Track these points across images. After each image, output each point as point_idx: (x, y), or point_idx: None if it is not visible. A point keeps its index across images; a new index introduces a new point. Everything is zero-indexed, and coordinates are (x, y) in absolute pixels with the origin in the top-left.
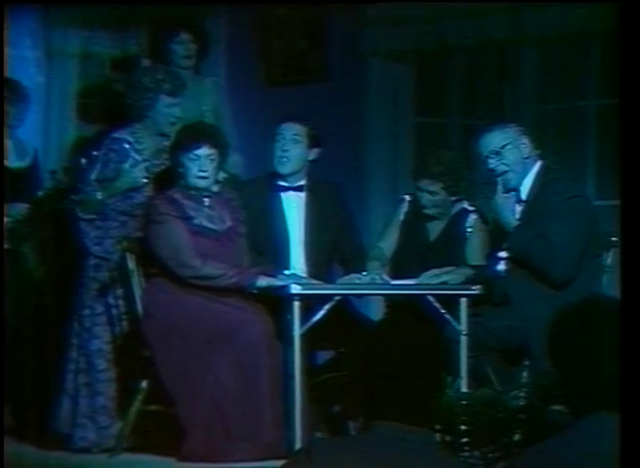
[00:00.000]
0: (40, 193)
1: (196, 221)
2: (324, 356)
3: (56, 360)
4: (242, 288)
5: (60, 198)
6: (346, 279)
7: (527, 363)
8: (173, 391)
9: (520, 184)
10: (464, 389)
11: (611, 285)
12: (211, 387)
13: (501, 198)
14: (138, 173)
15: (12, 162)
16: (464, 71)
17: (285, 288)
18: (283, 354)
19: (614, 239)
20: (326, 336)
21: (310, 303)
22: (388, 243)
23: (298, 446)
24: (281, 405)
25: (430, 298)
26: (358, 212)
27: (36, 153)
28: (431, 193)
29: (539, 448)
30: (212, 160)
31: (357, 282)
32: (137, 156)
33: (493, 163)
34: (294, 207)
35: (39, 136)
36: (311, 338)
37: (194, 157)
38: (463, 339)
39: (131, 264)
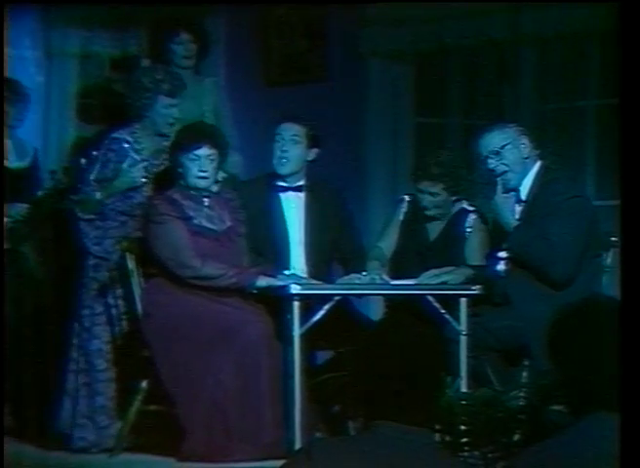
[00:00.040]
0: (40, 193)
1: (196, 222)
2: (324, 356)
3: (56, 360)
4: (242, 288)
5: (59, 198)
6: (346, 279)
7: (527, 363)
8: (172, 391)
9: (520, 184)
10: (464, 389)
11: (610, 285)
12: (210, 387)
13: (501, 198)
14: (136, 172)
15: (12, 162)
16: (464, 71)
17: (285, 288)
18: (283, 354)
19: (613, 239)
20: (326, 336)
21: (310, 303)
22: (388, 243)
23: (297, 446)
24: (281, 405)
25: (430, 298)
26: (358, 212)
27: (36, 153)
28: (432, 194)
29: (538, 448)
30: (212, 160)
31: (357, 282)
32: (136, 156)
33: (492, 163)
34: (293, 207)
35: (39, 137)
36: (311, 338)
37: (194, 157)
38: (463, 339)
39: (130, 264)
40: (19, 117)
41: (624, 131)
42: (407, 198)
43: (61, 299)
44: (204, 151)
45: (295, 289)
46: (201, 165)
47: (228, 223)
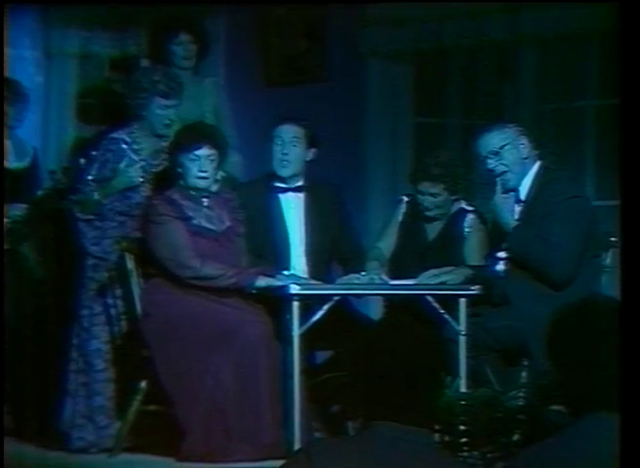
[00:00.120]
0: (39, 193)
1: (195, 222)
2: (323, 356)
3: (55, 360)
4: (241, 288)
5: (58, 198)
6: (345, 279)
7: (526, 363)
8: (172, 391)
9: (519, 185)
10: (463, 389)
11: (610, 285)
12: (210, 387)
13: (500, 198)
14: (133, 172)
15: (11, 162)
16: (464, 71)
17: (284, 288)
18: (282, 354)
19: (613, 239)
20: (325, 336)
21: (309, 303)
22: (387, 243)
23: (297, 446)
24: (280, 405)
25: (429, 298)
26: (357, 212)
27: (35, 153)
28: (433, 195)
29: (538, 448)
30: (212, 160)
31: (356, 282)
32: (134, 156)
33: (492, 163)
34: (292, 207)
35: (38, 137)
36: (310, 338)
37: (194, 157)
38: (462, 339)
39: (130, 264)
40: (18, 117)
41: (624, 131)
42: (405, 199)
43: (61, 299)
44: (204, 151)
45: (294, 289)
46: (201, 165)
47: (227, 223)
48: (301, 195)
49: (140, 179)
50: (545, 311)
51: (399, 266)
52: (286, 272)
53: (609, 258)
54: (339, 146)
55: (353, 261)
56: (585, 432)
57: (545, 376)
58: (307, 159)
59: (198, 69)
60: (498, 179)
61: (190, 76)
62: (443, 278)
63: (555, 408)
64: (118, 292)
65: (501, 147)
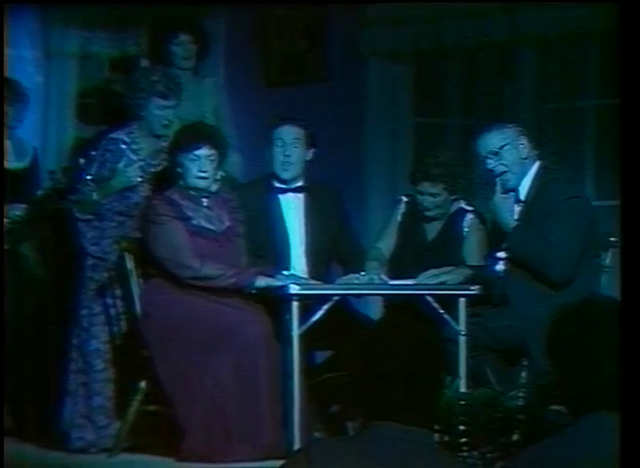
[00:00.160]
0: (39, 193)
1: (194, 222)
2: (323, 356)
3: (55, 360)
4: (241, 288)
5: (58, 198)
6: (345, 279)
7: (525, 363)
8: (171, 391)
9: (519, 185)
10: (463, 389)
11: (609, 285)
12: (209, 387)
13: (500, 198)
14: (132, 172)
15: (11, 162)
16: (463, 71)
17: (284, 288)
18: (282, 354)
19: (612, 239)
20: (324, 336)
21: (309, 303)
22: (387, 243)
23: (296, 446)
24: (280, 405)
25: (429, 298)
26: (357, 212)
27: (35, 153)
28: (433, 195)
29: (537, 448)
30: (212, 160)
31: (356, 282)
32: (132, 156)
33: (491, 163)
34: (292, 208)
35: (38, 137)
36: (310, 338)
37: (194, 157)
38: (462, 339)
39: (129, 264)
40: (18, 117)
41: (624, 131)
42: (405, 199)
43: (61, 299)
44: (204, 151)
45: (294, 289)
46: (201, 165)
47: (227, 224)
48: (301, 195)
49: (139, 179)
50: (545, 311)
51: (399, 266)
52: (285, 272)
53: (609, 258)
54: (338, 146)
55: (353, 261)
56: (585, 432)
57: (545, 376)
58: (306, 159)
59: (198, 69)
60: (497, 179)
61: (190, 76)
62: (443, 278)
63: (555, 408)
64: (118, 292)
65: (501, 147)
